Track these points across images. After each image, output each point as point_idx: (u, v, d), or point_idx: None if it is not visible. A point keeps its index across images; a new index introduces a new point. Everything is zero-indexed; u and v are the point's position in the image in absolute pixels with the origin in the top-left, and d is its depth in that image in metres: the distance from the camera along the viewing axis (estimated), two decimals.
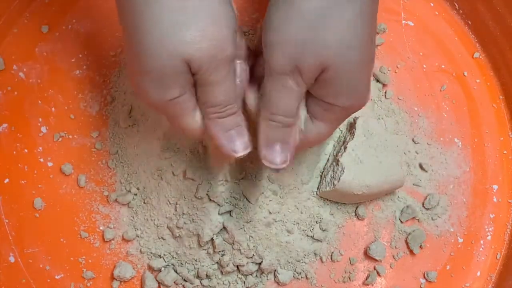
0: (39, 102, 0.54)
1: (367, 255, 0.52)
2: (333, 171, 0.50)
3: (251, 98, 0.41)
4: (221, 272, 0.49)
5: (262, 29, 0.38)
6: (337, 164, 0.49)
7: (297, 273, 0.50)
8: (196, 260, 0.49)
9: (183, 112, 0.38)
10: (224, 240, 0.48)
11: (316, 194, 0.51)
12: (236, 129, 0.40)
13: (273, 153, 0.40)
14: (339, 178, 0.48)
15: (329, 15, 0.35)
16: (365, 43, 0.37)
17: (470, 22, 0.59)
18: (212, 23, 0.35)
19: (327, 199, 0.51)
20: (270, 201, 0.49)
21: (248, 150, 0.40)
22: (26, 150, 0.53)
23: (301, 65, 0.36)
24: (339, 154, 0.49)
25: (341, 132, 0.52)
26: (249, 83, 0.41)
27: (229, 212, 0.48)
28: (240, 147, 0.40)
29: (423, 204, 0.53)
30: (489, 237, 0.54)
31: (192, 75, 0.37)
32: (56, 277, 0.51)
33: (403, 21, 0.59)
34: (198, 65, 0.35)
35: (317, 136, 0.41)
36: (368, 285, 0.51)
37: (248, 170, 0.49)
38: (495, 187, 0.55)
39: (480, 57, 0.59)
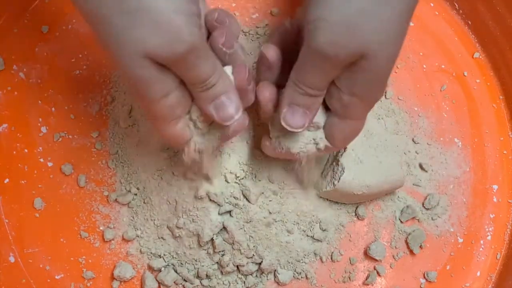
0: (39, 102, 0.54)
1: (367, 255, 0.52)
2: (333, 171, 0.50)
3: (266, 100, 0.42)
4: (221, 272, 0.49)
5: (308, 5, 0.37)
6: (337, 164, 0.49)
7: (297, 273, 0.50)
8: (196, 260, 0.49)
9: (171, 116, 0.38)
10: (224, 240, 0.48)
11: (316, 194, 0.51)
12: (224, 95, 0.39)
13: (293, 115, 0.40)
14: (339, 178, 0.48)
15: (383, 3, 0.35)
16: (401, 41, 0.37)
17: (470, 22, 0.59)
18: (162, 15, 0.34)
19: (327, 199, 0.51)
20: (270, 201, 0.49)
21: (240, 113, 0.40)
22: (26, 150, 0.53)
23: (342, 47, 0.36)
24: (339, 154, 0.49)
25: None
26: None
27: (229, 212, 0.48)
28: (230, 112, 0.39)
29: (423, 204, 0.53)
30: (489, 237, 0.54)
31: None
32: (56, 277, 0.51)
33: None
34: (162, 59, 0.35)
35: (344, 133, 0.42)
36: (368, 285, 0.51)
37: (248, 170, 0.49)
38: (495, 187, 0.55)
39: (480, 57, 0.59)
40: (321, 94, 0.40)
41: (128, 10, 0.33)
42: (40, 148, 0.53)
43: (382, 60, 0.37)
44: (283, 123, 0.41)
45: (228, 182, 0.48)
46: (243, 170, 0.49)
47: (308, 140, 0.43)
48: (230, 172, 0.48)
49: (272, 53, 0.42)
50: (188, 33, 0.35)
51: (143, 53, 0.34)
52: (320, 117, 0.42)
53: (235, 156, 0.49)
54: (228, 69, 0.40)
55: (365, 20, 0.35)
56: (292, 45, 0.42)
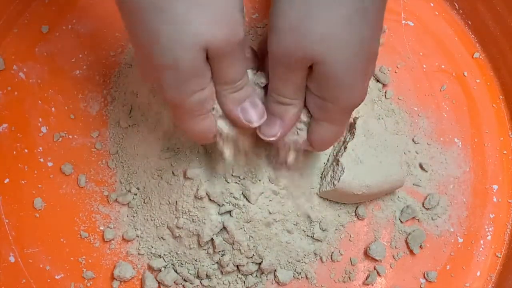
0: (39, 102, 0.54)
1: (367, 255, 0.52)
2: (333, 171, 0.50)
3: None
4: (221, 272, 0.49)
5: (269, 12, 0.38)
6: (337, 164, 0.49)
7: (297, 273, 0.50)
8: (196, 260, 0.49)
9: (201, 111, 0.39)
10: (224, 240, 0.48)
11: (316, 194, 0.51)
12: (249, 100, 0.40)
13: (267, 124, 0.41)
14: (339, 178, 0.48)
15: (327, 7, 0.35)
16: (362, 41, 0.36)
17: (470, 22, 0.59)
18: (224, 9, 0.35)
19: (327, 199, 0.51)
20: (270, 201, 0.49)
21: (263, 119, 0.41)
22: (26, 150, 0.53)
23: (290, 53, 0.36)
24: (339, 154, 0.49)
25: None
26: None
27: (229, 212, 0.48)
28: (255, 116, 0.40)
29: (423, 204, 0.53)
30: (489, 237, 0.54)
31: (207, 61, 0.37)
32: (56, 277, 0.51)
33: (403, 21, 0.59)
34: (215, 51, 0.36)
35: (320, 136, 0.42)
36: (368, 285, 0.51)
37: (249, 170, 0.49)
38: (495, 187, 0.55)
39: (480, 57, 0.59)
40: (292, 102, 0.40)
41: (190, 2, 0.34)
42: (40, 148, 0.53)
43: (335, 65, 0.36)
44: (257, 132, 0.42)
45: (228, 182, 0.48)
46: (243, 170, 0.49)
47: (293, 133, 0.43)
48: (231, 172, 0.48)
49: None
50: (242, 29, 0.36)
51: (202, 43, 0.35)
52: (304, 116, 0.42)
53: (233, 162, 0.49)
54: (249, 72, 0.42)
55: (310, 25, 0.35)
56: None
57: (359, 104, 0.40)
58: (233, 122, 0.41)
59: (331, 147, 0.52)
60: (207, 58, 0.36)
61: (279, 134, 0.41)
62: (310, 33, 0.35)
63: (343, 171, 0.48)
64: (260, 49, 0.43)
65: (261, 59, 0.43)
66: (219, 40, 0.35)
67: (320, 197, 0.51)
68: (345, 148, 0.49)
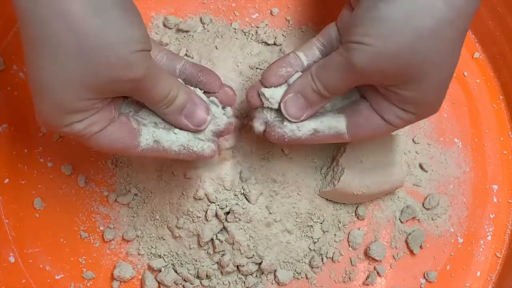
0: None
1: (367, 255, 0.52)
2: (333, 171, 0.50)
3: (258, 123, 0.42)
4: (221, 272, 0.49)
5: (356, 16, 0.36)
6: (337, 164, 0.49)
7: (297, 273, 0.50)
8: (196, 260, 0.49)
9: (90, 129, 0.37)
10: (224, 240, 0.48)
11: (317, 194, 0.50)
12: (189, 103, 0.40)
13: (294, 104, 0.41)
14: (339, 178, 0.48)
15: (433, 37, 0.35)
16: (456, 62, 0.37)
17: None
18: (111, 45, 0.33)
19: (327, 199, 0.51)
20: (270, 201, 0.49)
21: (211, 114, 0.41)
22: (26, 150, 0.53)
23: (381, 72, 0.36)
24: (339, 154, 0.49)
25: None
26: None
27: (229, 212, 0.48)
28: (201, 115, 0.40)
29: (423, 204, 0.53)
30: (489, 237, 0.54)
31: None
32: (56, 277, 0.51)
33: None
34: (109, 89, 0.35)
35: (371, 131, 0.41)
36: (368, 285, 0.51)
37: (249, 170, 0.49)
38: (495, 187, 0.55)
39: (480, 57, 0.59)
40: (332, 97, 0.40)
41: (79, 39, 0.32)
42: (40, 148, 0.53)
43: (431, 85, 0.37)
44: (282, 107, 0.41)
45: (228, 182, 0.48)
46: (243, 169, 0.49)
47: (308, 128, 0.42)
48: (231, 172, 0.48)
49: (253, 100, 0.42)
50: (142, 60, 0.35)
51: (88, 85, 0.34)
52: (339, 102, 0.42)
53: (233, 162, 0.49)
54: (198, 91, 0.42)
55: (413, 51, 0.35)
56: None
57: (431, 115, 0.40)
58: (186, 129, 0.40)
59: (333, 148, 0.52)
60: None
61: (302, 118, 0.41)
62: (414, 58, 0.35)
63: (343, 171, 0.48)
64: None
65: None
66: (105, 81, 0.34)
67: (321, 197, 0.51)
68: (345, 148, 0.49)
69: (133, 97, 0.39)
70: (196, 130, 0.40)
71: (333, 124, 0.41)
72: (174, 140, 0.40)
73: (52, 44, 0.32)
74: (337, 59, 0.38)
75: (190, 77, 0.42)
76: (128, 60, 0.34)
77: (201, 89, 0.42)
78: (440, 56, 0.36)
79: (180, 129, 0.40)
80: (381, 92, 0.39)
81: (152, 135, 0.39)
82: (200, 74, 0.42)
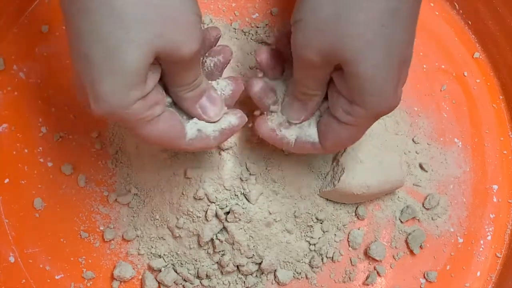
0: (39, 102, 0.54)
1: (367, 255, 0.52)
2: (333, 171, 0.50)
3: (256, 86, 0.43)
4: (221, 272, 0.49)
5: (294, 7, 0.37)
6: (337, 164, 0.49)
7: (297, 273, 0.50)
8: (196, 260, 0.49)
9: (150, 116, 0.36)
10: (224, 240, 0.48)
11: (317, 194, 0.51)
12: (206, 95, 0.41)
13: (291, 108, 0.42)
14: (339, 178, 0.48)
15: (359, 6, 0.34)
16: (394, 43, 0.35)
17: (470, 22, 0.59)
18: (178, 12, 0.34)
19: (327, 199, 0.51)
20: (270, 201, 0.49)
21: (223, 112, 0.41)
22: (26, 150, 0.53)
23: (314, 50, 0.36)
24: (339, 154, 0.49)
25: None
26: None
27: (229, 212, 0.48)
28: (212, 113, 0.41)
29: (423, 204, 0.53)
30: (489, 237, 0.54)
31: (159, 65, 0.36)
32: (56, 277, 0.51)
33: None
34: (166, 58, 0.35)
35: (337, 138, 0.41)
36: (368, 285, 0.51)
37: (249, 170, 0.49)
38: (495, 187, 0.55)
39: (480, 57, 0.59)
40: (316, 93, 0.40)
41: (143, 3, 0.33)
42: (40, 148, 0.53)
43: (364, 66, 0.35)
44: (283, 112, 0.43)
45: (228, 182, 0.48)
46: (243, 169, 0.49)
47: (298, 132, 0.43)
48: (231, 172, 0.48)
49: (262, 56, 0.43)
50: (200, 34, 0.36)
51: (152, 49, 0.34)
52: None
53: (233, 162, 0.49)
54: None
55: (338, 24, 0.34)
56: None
57: (389, 111, 0.38)
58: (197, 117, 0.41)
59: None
60: (159, 62, 0.36)
61: (302, 118, 0.42)
62: (341, 32, 0.34)
63: (343, 171, 0.48)
64: (278, 44, 0.43)
65: (276, 56, 0.43)
66: (170, 47, 0.34)
67: (321, 197, 0.51)
68: (344, 148, 0.49)
69: (164, 77, 0.38)
70: (207, 121, 0.41)
71: (309, 133, 0.42)
72: (212, 125, 0.41)
73: (118, 7, 0.32)
74: (293, 54, 0.39)
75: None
76: (193, 26, 0.35)
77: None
78: (369, 31, 0.34)
79: (192, 117, 0.41)
80: (336, 85, 0.39)
81: (194, 124, 0.40)
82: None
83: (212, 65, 0.42)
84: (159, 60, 0.36)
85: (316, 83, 0.39)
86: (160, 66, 0.37)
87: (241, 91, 0.43)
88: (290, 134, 0.43)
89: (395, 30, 0.35)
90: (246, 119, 0.42)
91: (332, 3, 0.34)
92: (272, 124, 0.43)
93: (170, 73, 0.38)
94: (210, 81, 0.42)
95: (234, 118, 0.41)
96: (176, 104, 0.41)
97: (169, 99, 0.41)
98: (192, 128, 0.40)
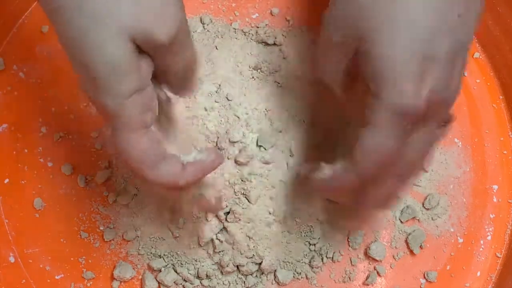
0: (39, 102, 0.54)
1: (367, 255, 0.52)
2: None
3: None
4: (221, 272, 0.49)
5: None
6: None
7: (297, 273, 0.50)
8: (196, 260, 0.49)
9: (141, 121, 0.34)
10: (224, 240, 0.48)
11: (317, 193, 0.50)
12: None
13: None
14: None
15: None
16: (419, 31, 0.31)
17: None
18: None
19: (327, 199, 0.51)
20: (270, 201, 0.49)
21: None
22: (26, 150, 0.53)
23: (338, 29, 0.34)
24: (339, 153, 0.50)
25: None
26: None
27: (229, 212, 0.48)
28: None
29: (423, 204, 0.53)
30: (489, 237, 0.54)
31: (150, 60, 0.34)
32: (56, 277, 0.51)
33: None
34: (145, 42, 0.32)
35: (367, 147, 0.34)
36: (368, 285, 0.51)
37: (249, 170, 0.49)
38: (495, 187, 0.55)
39: (480, 57, 0.59)
40: (332, 82, 0.39)
41: None
42: (40, 148, 0.53)
43: (381, 49, 0.32)
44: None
45: (228, 183, 0.48)
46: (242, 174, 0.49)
47: None
48: (231, 180, 0.48)
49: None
50: (181, 10, 0.33)
51: (128, 33, 0.31)
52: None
53: (233, 162, 0.49)
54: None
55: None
56: None
57: (412, 112, 0.32)
58: None
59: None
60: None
61: None
62: (362, 5, 0.32)
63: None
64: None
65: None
66: (145, 29, 0.32)
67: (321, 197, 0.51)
68: (345, 148, 0.49)
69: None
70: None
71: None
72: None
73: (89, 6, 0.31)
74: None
75: None
76: (167, 9, 0.32)
77: None
78: (391, 7, 0.31)
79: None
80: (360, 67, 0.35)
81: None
82: None
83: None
84: (143, 49, 0.33)
85: (333, 67, 0.37)
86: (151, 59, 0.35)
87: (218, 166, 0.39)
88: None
89: (425, 15, 0.31)
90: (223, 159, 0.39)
91: None
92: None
93: (161, 60, 0.35)
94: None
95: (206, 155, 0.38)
96: None
97: None
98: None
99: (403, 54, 0.31)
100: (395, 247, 0.52)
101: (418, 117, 0.33)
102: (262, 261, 0.49)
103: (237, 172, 0.48)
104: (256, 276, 0.50)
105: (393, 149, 0.34)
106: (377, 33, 0.32)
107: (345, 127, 0.50)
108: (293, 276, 0.50)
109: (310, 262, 0.51)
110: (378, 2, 0.32)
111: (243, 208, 0.48)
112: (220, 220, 0.48)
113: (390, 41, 0.31)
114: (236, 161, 0.48)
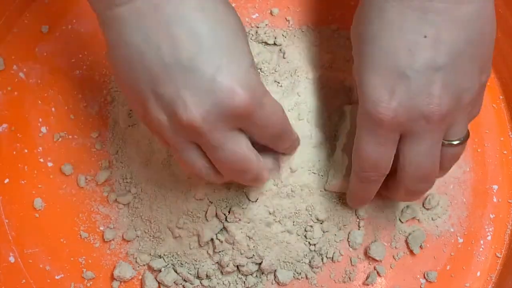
0: (39, 102, 0.54)
1: (367, 255, 0.52)
2: (334, 170, 0.50)
3: None
4: (221, 272, 0.49)
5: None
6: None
7: (297, 273, 0.50)
8: (196, 260, 0.49)
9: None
10: (224, 240, 0.48)
11: (321, 190, 0.50)
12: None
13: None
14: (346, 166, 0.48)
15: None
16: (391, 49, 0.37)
17: None
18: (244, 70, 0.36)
19: (327, 199, 0.51)
20: (270, 201, 0.49)
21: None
22: (26, 150, 0.53)
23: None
24: (338, 151, 0.50)
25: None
26: None
27: (229, 212, 0.48)
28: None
29: (423, 204, 0.53)
30: (489, 237, 0.54)
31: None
32: (56, 277, 0.51)
33: None
34: (239, 116, 0.36)
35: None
36: (368, 285, 0.51)
37: None
38: (495, 187, 0.55)
39: None
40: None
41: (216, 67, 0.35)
42: (40, 148, 0.53)
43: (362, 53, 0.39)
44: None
45: (227, 190, 0.48)
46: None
47: None
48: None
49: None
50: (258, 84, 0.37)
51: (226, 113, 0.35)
52: None
53: None
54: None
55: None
56: None
57: (380, 118, 0.38)
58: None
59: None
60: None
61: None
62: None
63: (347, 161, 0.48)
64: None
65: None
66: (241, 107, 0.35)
67: (321, 196, 0.51)
68: (337, 137, 0.49)
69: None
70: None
71: None
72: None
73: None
74: None
75: None
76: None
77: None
78: (380, 19, 0.38)
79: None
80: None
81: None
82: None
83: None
84: None
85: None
86: None
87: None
88: None
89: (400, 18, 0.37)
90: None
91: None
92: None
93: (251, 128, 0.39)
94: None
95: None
96: None
97: None
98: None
99: (378, 75, 0.38)
100: (395, 247, 0.52)
101: (392, 125, 0.38)
102: (262, 261, 0.49)
103: None
104: (256, 276, 0.50)
105: (374, 152, 0.39)
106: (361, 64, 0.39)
107: (345, 128, 0.50)
108: (293, 276, 0.50)
109: (310, 262, 0.51)
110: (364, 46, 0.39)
111: (243, 208, 0.48)
112: (220, 220, 0.48)
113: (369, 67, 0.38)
114: None
